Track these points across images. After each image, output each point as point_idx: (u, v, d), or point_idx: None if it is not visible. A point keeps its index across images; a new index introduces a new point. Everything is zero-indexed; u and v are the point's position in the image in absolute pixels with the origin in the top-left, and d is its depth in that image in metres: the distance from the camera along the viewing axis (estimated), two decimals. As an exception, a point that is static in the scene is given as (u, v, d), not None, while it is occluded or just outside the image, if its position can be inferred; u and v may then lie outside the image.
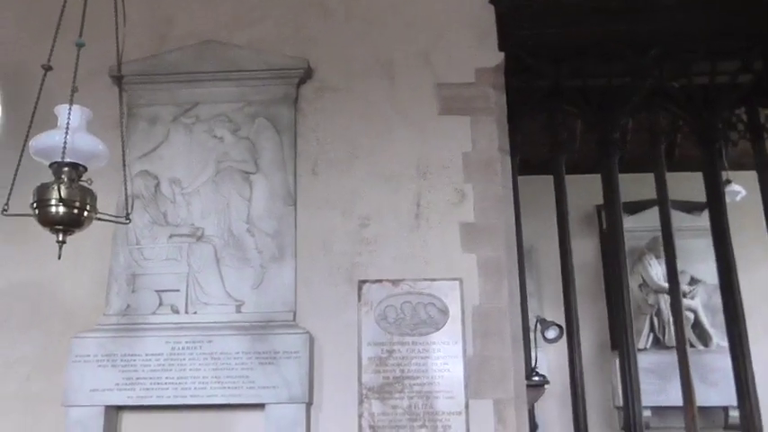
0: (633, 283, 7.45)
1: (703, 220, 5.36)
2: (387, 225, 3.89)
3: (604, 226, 6.43)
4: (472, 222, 3.88)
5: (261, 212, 3.89)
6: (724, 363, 4.55)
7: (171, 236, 3.86)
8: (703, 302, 7.20)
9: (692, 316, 7.28)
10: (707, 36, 4.21)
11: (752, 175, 4.57)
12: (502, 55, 4.15)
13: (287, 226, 3.87)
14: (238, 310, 3.73)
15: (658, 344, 7.21)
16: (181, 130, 4.05)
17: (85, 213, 2.36)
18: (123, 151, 2.70)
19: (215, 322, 3.68)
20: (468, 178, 3.95)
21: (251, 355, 3.58)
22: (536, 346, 4.12)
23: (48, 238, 2.48)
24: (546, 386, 4.22)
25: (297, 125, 4.06)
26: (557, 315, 5.28)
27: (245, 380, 3.55)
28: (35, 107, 2.48)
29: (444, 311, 3.69)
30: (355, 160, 4.01)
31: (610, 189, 4.41)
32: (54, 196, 2.30)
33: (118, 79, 2.69)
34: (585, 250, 6.31)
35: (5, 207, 2.41)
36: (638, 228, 6.92)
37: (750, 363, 4.06)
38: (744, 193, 6.25)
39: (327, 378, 3.67)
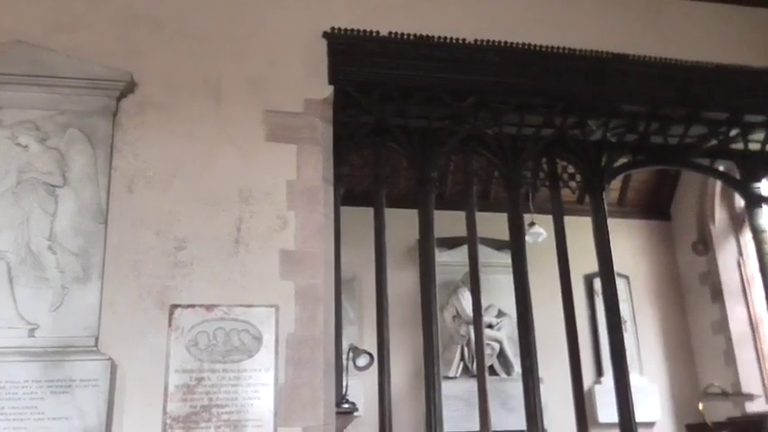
0: (448, 315, 7.92)
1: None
2: (204, 249, 3.80)
3: (423, 259, 6.75)
4: (292, 250, 3.91)
5: (66, 229, 3.64)
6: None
7: (-43, 250, 3.48)
8: (508, 334, 7.79)
9: (497, 346, 7.88)
10: (518, 91, 4.63)
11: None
12: (331, 88, 4.29)
13: (95, 245, 3.65)
14: (31, 334, 3.43)
15: (467, 372, 7.67)
16: (-22, 135, 3.70)
17: None
18: None
19: (2, 347, 3.36)
20: (290, 206, 3.99)
21: (42, 383, 3.31)
22: (347, 374, 4.18)
23: None
24: (356, 414, 4.29)
25: (114, 139, 3.87)
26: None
27: (32, 411, 3.27)
28: None
29: (258, 338, 3.66)
30: (175, 180, 3.89)
31: (425, 224, 4.65)
32: None
33: None
34: (407, 281, 6.52)
35: None
36: (455, 262, 7.38)
37: (539, 390, 4.42)
38: (545, 234, 6.90)
39: (129, 408, 3.48)
